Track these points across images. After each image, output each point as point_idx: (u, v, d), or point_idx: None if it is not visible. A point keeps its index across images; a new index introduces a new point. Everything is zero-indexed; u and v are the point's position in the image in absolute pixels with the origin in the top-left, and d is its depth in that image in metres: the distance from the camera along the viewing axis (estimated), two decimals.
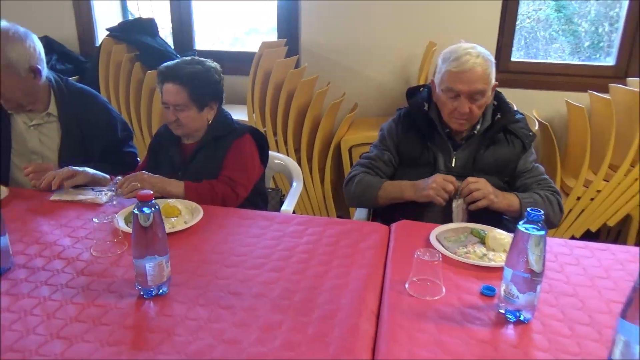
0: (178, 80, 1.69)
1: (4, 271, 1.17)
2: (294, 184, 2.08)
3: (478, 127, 1.65)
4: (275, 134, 2.86)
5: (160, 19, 3.31)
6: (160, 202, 1.52)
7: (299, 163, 2.69)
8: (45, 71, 1.75)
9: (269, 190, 2.10)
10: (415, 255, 1.08)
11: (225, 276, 1.17)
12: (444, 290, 1.10)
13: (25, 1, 3.43)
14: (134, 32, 3.11)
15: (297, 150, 2.90)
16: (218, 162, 1.75)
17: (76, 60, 3.38)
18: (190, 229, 1.40)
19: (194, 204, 1.53)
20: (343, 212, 3.10)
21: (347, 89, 3.09)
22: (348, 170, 2.83)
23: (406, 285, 1.11)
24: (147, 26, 3.18)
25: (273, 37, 3.27)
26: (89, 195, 1.60)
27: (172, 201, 1.50)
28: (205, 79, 1.73)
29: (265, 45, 2.77)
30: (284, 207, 1.88)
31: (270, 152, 1.96)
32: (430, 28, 2.95)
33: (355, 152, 2.80)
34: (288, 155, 2.76)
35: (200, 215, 1.46)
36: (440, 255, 1.08)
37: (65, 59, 3.36)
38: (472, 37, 1.80)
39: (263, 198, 1.97)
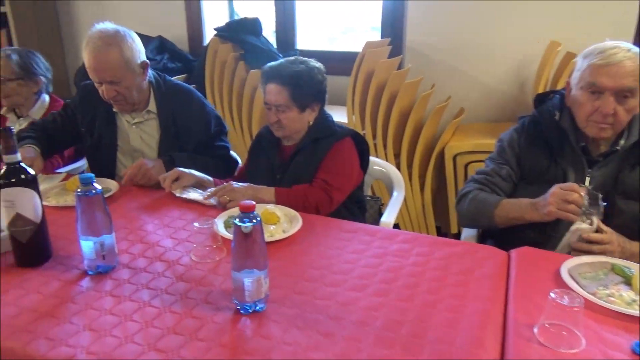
0: (280, 80, 1.65)
1: (109, 269, 1.18)
2: (395, 193, 1.95)
3: (622, 141, 1.40)
4: (374, 137, 2.74)
5: (264, 18, 3.34)
6: (259, 208, 1.48)
7: (398, 169, 2.55)
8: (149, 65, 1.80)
9: (368, 198, 2.00)
10: (550, 298, 0.91)
11: (325, 296, 1.08)
12: (583, 342, 0.91)
13: (142, 2, 3.64)
14: (240, 32, 3.16)
15: (397, 156, 2.76)
16: (316, 164, 1.69)
17: (185, 59, 3.51)
18: (288, 239, 1.34)
19: (293, 212, 1.47)
20: (441, 223, 2.91)
21: (452, 92, 2.88)
22: (451, 179, 2.65)
23: (535, 331, 0.94)
24: (252, 26, 3.21)
25: (371, 36, 3.15)
26: (195, 197, 1.60)
27: (270, 207, 1.45)
28: (307, 79, 1.67)
29: (368, 45, 2.66)
30: (384, 219, 1.76)
31: (370, 158, 1.86)
32: (553, 26, 2.65)
33: (460, 161, 2.60)
34: (387, 161, 2.63)
35: (298, 224, 1.40)
36: (583, 300, 0.90)
37: (176, 58, 3.51)
38: (603, 38, 1.55)
39: (361, 206, 1.87)
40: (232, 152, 2.04)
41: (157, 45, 3.46)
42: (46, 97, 2.27)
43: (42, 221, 1.19)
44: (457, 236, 2.77)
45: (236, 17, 3.70)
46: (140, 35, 3.45)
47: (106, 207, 1.16)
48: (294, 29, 3.40)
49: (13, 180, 1.13)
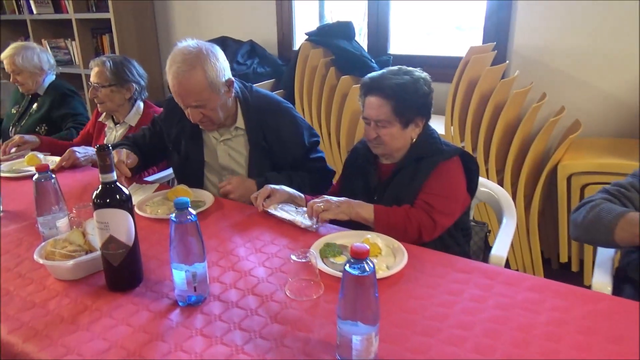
0: (382, 93, 1.49)
1: (200, 301, 1.09)
2: (505, 219, 1.72)
3: None
4: (474, 151, 2.50)
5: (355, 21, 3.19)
6: (357, 236, 1.33)
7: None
8: (234, 81, 1.70)
9: (472, 223, 1.79)
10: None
11: (444, 356, 0.91)
12: None
13: (235, 8, 3.64)
14: (332, 36, 3.04)
15: (499, 172, 2.50)
16: (419, 186, 1.51)
17: (274, 63, 3.47)
18: (393, 277, 1.18)
19: (396, 243, 1.30)
20: (545, 248, 2.61)
21: (566, 102, 2.56)
22: (563, 202, 2.34)
23: None
24: (345, 30, 3.08)
25: (456, 37, 2.89)
26: (290, 215, 1.49)
27: (371, 236, 1.30)
28: (412, 92, 1.50)
29: (473, 50, 2.43)
30: (495, 252, 1.54)
31: None
32: None
33: (575, 182, 2.29)
34: (488, 178, 2.38)
35: (404, 258, 1.23)
36: None
37: (265, 62, 3.47)
38: None
39: (466, 233, 1.67)
40: (327, 164, 1.92)
41: (248, 50, 3.44)
42: (141, 104, 2.29)
43: (135, 244, 1.13)
44: (567, 266, 2.49)
45: (325, 21, 3.61)
46: (231, 40, 3.55)
47: (200, 234, 1.06)
48: (387, 32, 3.22)
49: (108, 200, 1.07)
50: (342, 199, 1.47)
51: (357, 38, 3.13)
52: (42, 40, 4.27)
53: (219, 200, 1.65)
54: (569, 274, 2.48)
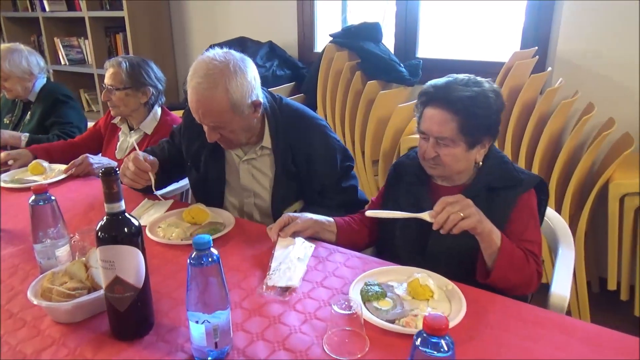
0: (448, 106, 1.26)
1: (222, 357, 0.91)
2: (561, 249, 1.51)
3: None
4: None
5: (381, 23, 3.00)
6: (402, 272, 1.14)
7: None
8: (262, 100, 1.50)
9: None
10: None
11: None
12: None
13: (254, 7, 3.47)
14: (358, 38, 2.85)
15: None
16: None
17: (295, 66, 3.29)
18: (455, 330, 0.98)
19: (450, 284, 1.10)
20: (592, 276, 2.39)
21: (617, 114, 2.34)
22: (614, 224, 2.12)
23: None
24: (372, 31, 2.89)
25: (488, 40, 2.68)
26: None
27: (421, 276, 1.10)
28: (484, 108, 1.27)
29: (517, 56, 2.22)
30: (555, 289, 1.34)
31: None
32: None
33: (629, 203, 2.08)
34: None
35: (462, 306, 1.03)
36: None
37: (285, 64, 3.29)
38: None
39: None
40: (360, 192, 1.69)
41: (267, 51, 3.27)
42: (158, 110, 2.11)
43: (146, 285, 0.95)
44: (616, 294, 2.27)
45: (348, 22, 3.42)
46: (250, 40, 3.37)
47: (223, 276, 0.88)
48: (415, 34, 3.02)
49: (114, 234, 0.89)
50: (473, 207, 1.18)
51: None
52: (55, 39, 4.15)
53: (240, 222, 1.47)
54: (616, 301, 2.26)
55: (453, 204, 1.15)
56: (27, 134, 2.30)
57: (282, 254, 1.21)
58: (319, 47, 3.37)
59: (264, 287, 1.09)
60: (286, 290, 1.08)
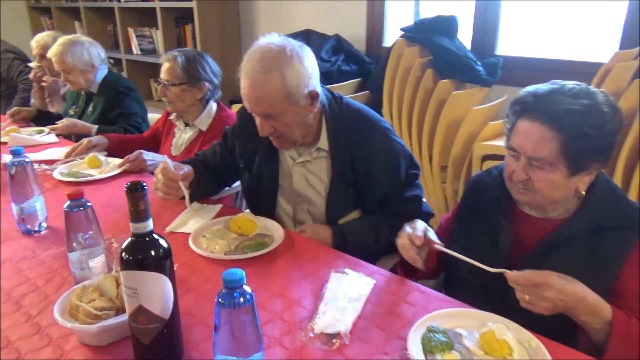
0: (550, 121, 1.03)
1: None
2: None
3: None
4: None
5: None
6: (472, 318, 0.96)
7: None
8: (320, 93, 1.36)
9: None
10: None
11: None
12: None
13: (321, 1, 3.32)
14: (431, 33, 2.62)
15: None
16: (605, 275, 1.02)
17: (361, 61, 3.11)
18: None
19: (534, 340, 0.90)
20: None
21: None
22: None
23: None
24: (447, 25, 2.65)
25: (569, 38, 2.34)
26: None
27: (497, 328, 0.91)
28: (596, 126, 1.02)
29: (619, 57, 1.92)
30: None
31: None
32: None
33: None
34: None
35: None
36: None
37: (351, 59, 3.12)
38: None
39: None
40: (424, 203, 1.52)
41: (333, 45, 3.11)
42: (213, 106, 2.03)
43: (173, 316, 0.83)
44: None
45: (421, 15, 3.19)
46: (316, 33, 3.23)
47: (256, 317, 0.75)
48: (495, 29, 2.73)
49: (139, 258, 0.78)
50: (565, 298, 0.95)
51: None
52: (128, 29, 4.23)
53: (291, 236, 1.34)
54: None
55: (538, 288, 0.93)
56: (97, 126, 2.32)
57: (333, 293, 1.05)
58: (388, 42, 3.18)
59: (309, 332, 0.94)
60: (333, 337, 0.93)
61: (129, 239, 0.79)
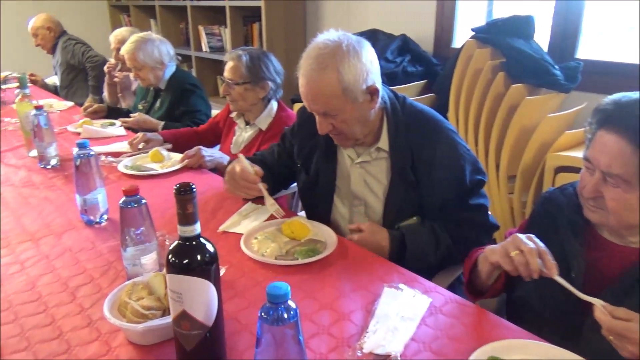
0: (628, 133, 0.91)
1: None
2: None
3: None
4: None
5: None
6: (540, 350, 0.86)
7: None
8: (381, 89, 1.30)
9: None
10: None
11: None
12: None
13: (388, 1, 3.24)
14: (505, 34, 2.47)
15: None
16: None
17: (428, 62, 3.00)
18: None
19: None
20: None
21: None
22: None
23: None
24: (523, 26, 2.49)
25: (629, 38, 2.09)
26: None
27: None
28: None
29: None
30: None
31: None
32: None
33: None
34: None
35: None
36: None
37: (417, 60, 3.02)
38: None
39: None
40: (490, 215, 1.41)
41: (399, 45, 3.02)
42: (274, 105, 2.02)
43: (217, 324, 0.80)
44: None
45: (493, 15, 3.02)
46: (382, 33, 3.15)
47: (301, 336, 0.70)
48: (577, 31, 2.53)
49: (185, 262, 0.76)
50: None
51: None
52: (199, 27, 4.35)
53: (344, 243, 1.28)
54: None
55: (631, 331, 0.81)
56: (163, 122, 2.39)
57: (385, 310, 0.98)
58: (457, 43, 3.04)
59: (357, 350, 0.88)
60: (383, 358, 0.86)
61: (176, 242, 0.77)
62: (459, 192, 1.33)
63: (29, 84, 3.40)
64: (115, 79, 2.93)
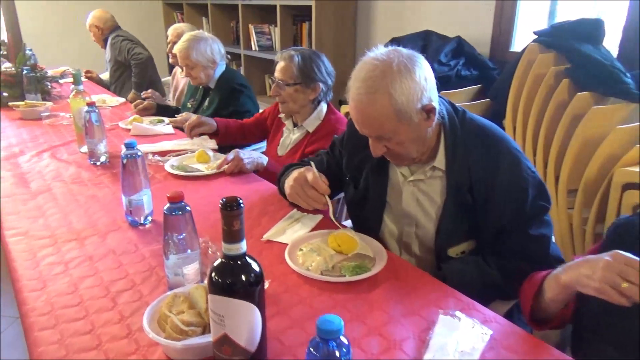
0: None
1: None
2: None
3: None
4: None
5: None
6: None
7: None
8: (438, 106, 1.20)
9: None
10: None
11: None
12: None
13: (443, 1, 3.11)
14: (572, 38, 2.31)
15: None
16: None
17: (484, 66, 2.86)
18: None
19: None
20: None
21: None
22: None
23: None
24: (591, 30, 2.32)
25: None
26: None
27: None
28: None
29: None
30: None
31: None
32: None
33: None
34: None
35: None
36: None
37: (472, 64, 2.88)
38: None
39: None
40: (553, 244, 1.26)
41: (454, 48, 2.90)
42: (323, 107, 1.95)
43: (260, 350, 0.75)
44: None
45: (556, 18, 2.83)
46: (436, 35, 3.02)
47: None
48: None
49: (228, 282, 0.71)
50: None
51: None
52: (249, 25, 4.35)
53: (394, 260, 1.20)
54: None
55: None
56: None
57: (440, 341, 0.90)
58: (516, 46, 2.88)
59: None
60: None
61: (220, 260, 0.72)
62: (518, 220, 1.21)
63: (84, 79, 3.51)
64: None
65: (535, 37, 2.39)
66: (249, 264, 0.72)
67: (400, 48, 1.17)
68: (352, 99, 1.18)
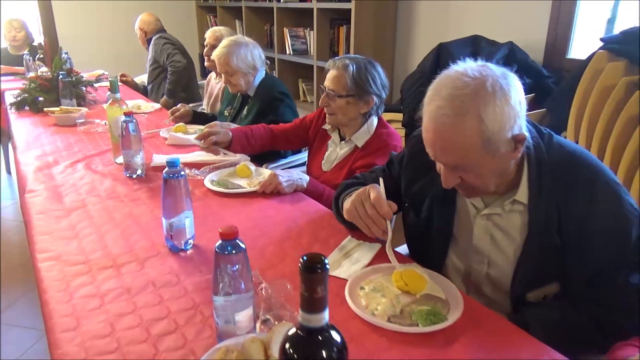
0: None
1: None
2: None
3: None
4: None
5: None
6: None
7: None
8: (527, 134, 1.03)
9: None
10: None
11: None
12: None
13: (495, 4, 2.92)
14: None
15: None
16: None
17: (538, 74, 2.66)
18: None
19: None
20: None
21: None
22: None
23: None
24: None
25: None
26: None
27: None
28: None
29: None
30: None
31: None
32: None
33: None
34: None
35: None
36: None
37: (525, 71, 2.68)
38: None
39: None
40: None
41: (505, 54, 2.71)
42: (374, 121, 1.80)
43: None
44: None
45: (616, 23, 2.61)
46: (485, 40, 2.83)
47: None
48: None
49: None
50: None
51: None
52: (284, 29, 4.24)
53: (471, 305, 1.04)
54: None
55: None
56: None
57: None
58: (574, 52, 2.68)
59: None
60: None
61: (295, 331, 0.58)
62: (616, 265, 1.04)
63: (120, 84, 3.45)
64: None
65: (602, 44, 2.19)
66: (331, 338, 0.58)
67: (488, 63, 1.01)
68: (431, 119, 1.01)
